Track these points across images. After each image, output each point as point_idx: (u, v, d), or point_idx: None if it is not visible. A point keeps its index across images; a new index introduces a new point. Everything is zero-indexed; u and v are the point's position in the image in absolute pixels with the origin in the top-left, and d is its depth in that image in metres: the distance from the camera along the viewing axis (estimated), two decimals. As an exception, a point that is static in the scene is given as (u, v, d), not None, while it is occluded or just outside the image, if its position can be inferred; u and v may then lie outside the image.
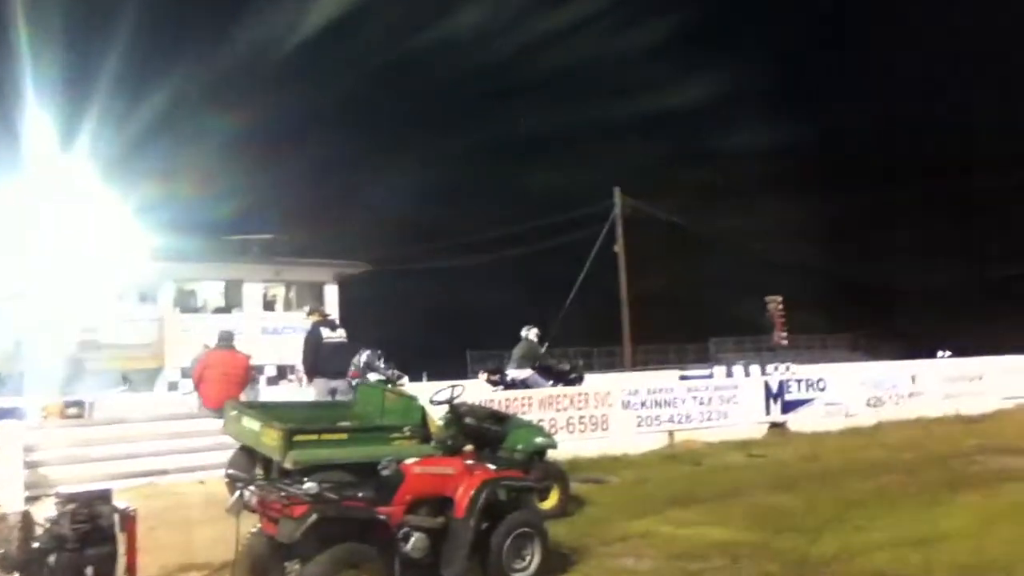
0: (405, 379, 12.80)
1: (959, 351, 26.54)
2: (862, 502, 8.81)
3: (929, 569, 6.22)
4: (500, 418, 9.21)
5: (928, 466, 11.06)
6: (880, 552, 6.72)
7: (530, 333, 14.09)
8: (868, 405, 16.66)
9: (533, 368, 13.81)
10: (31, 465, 9.48)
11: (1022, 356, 21.50)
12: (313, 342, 11.57)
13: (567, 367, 14.65)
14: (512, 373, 13.89)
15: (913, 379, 17.71)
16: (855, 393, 16.72)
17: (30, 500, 8.48)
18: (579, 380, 14.20)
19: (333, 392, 11.19)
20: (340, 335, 11.43)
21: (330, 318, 11.92)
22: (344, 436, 7.70)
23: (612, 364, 37.27)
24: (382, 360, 13.34)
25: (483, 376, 14.72)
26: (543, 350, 14.39)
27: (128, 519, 5.09)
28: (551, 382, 13.82)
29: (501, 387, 13.64)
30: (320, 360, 11.50)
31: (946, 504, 8.61)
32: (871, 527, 7.69)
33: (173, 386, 23.76)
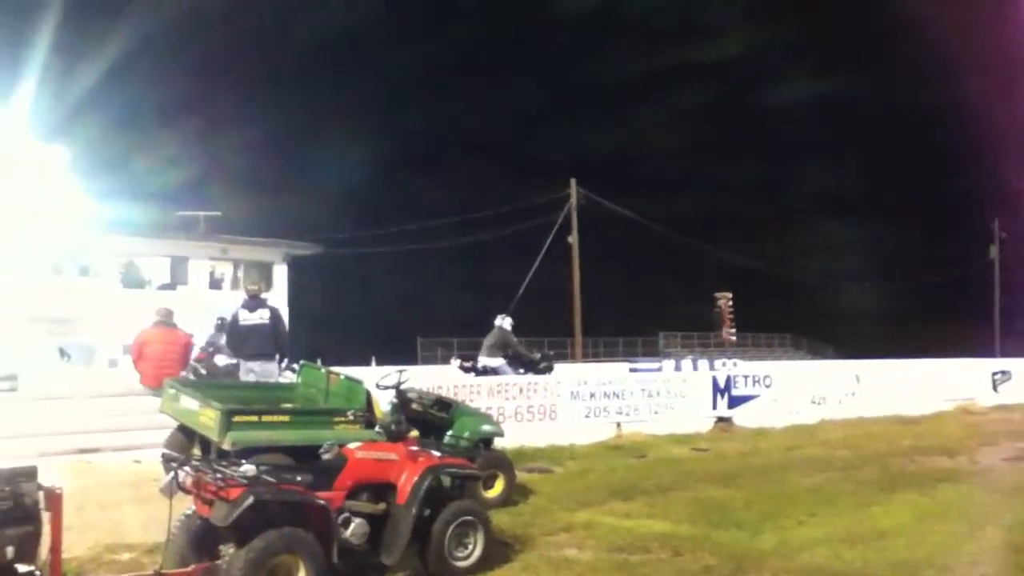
0: None
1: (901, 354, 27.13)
2: (802, 498, 8.90)
3: (866, 565, 6.29)
4: (447, 405, 9.14)
5: (867, 464, 11.24)
6: (818, 548, 6.78)
7: (504, 322, 14.19)
8: (812, 403, 16.89)
9: (505, 357, 13.83)
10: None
11: (962, 359, 22.07)
12: (229, 323, 11.54)
13: (538, 356, 14.77)
14: (484, 361, 13.91)
15: (857, 379, 17.99)
16: (800, 391, 16.95)
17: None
18: (549, 369, 14.30)
19: (250, 374, 11.06)
20: (259, 317, 11.23)
21: (260, 297, 11.70)
22: (285, 418, 7.53)
23: (562, 356, 37.39)
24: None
25: (456, 363, 14.74)
26: (516, 339, 14.43)
27: (53, 497, 4.88)
28: (522, 371, 13.87)
29: (473, 374, 13.65)
30: (235, 341, 11.38)
31: (883, 502, 8.74)
32: (810, 523, 7.77)
33: (113, 363, 23.21)
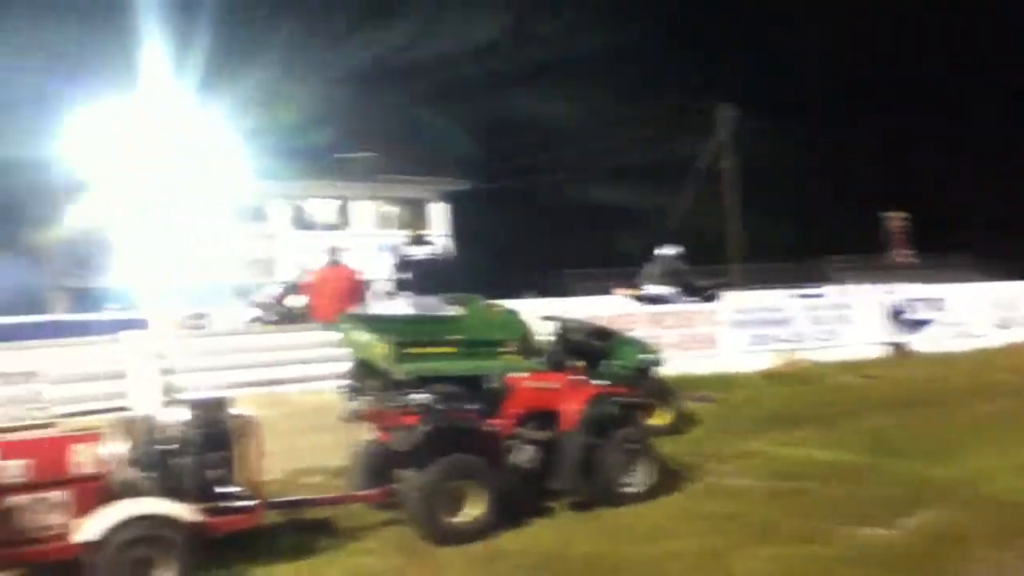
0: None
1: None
2: (982, 426, 8.44)
3: (1057, 497, 5.92)
4: (606, 334, 9.18)
5: (1056, 390, 10.50)
6: (1003, 478, 6.40)
7: (673, 251, 14.05)
8: (995, 326, 15.87)
9: (674, 284, 13.75)
10: (164, 372, 9.90)
11: None
12: (394, 260, 11.93)
13: (706, 283, 14.54)
14: (654, 289, 13.84)
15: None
16: (981, 313, 15.94)
17: (166, 406, 8.91)
18: (715, 296, 14.07)
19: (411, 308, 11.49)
20: (423, 252, 11.62)
21: (423, 233, 12.14)
22: (453, 349, 7.77)
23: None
24: None
25: (623, 292, 14.75)
26: (685, 267, 14.32)
27: (249, 425, 5.32)
28: (691, 298, 13.74)
29: (643, 302, 13.64)
30: (412, 277, 11.78)
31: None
32: (991, 452, 7.29)
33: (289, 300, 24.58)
